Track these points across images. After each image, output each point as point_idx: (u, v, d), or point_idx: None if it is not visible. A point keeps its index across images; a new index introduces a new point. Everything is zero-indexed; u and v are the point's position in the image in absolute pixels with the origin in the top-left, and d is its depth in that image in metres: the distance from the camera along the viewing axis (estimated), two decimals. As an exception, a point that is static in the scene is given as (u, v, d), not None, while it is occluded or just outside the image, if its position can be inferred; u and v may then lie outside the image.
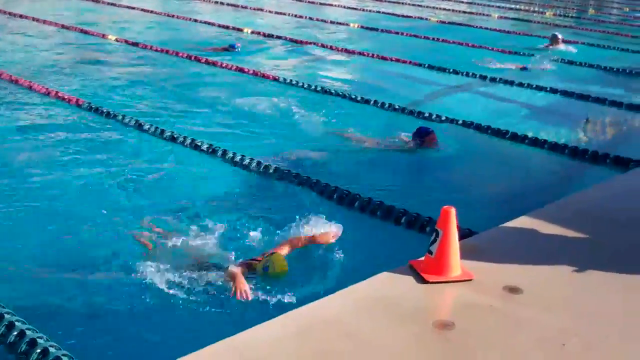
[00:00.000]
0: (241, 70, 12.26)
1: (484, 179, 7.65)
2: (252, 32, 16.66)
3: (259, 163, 7.46)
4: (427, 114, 9.87)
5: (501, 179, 7.48)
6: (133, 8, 19.89)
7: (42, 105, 9.46)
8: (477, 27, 20.24)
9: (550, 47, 16.37)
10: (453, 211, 4.22)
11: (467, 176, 7.81)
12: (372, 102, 10.50)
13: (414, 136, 8.43)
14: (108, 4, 20.63)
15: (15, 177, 6.88)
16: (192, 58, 13.07)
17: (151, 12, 19.35)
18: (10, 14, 17.47)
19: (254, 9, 21.29)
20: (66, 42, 14.51)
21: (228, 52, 13.69)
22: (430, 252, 4.27)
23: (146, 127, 8.58)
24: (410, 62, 13.74)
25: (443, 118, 9.73)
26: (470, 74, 12.88)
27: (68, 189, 6.74)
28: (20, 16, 17.09)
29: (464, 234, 5.31)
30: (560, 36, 16.55)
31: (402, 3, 26.11)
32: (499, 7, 26.51)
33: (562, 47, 16.21)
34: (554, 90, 11.86)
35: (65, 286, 4.94)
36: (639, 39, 18.99)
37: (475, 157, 8.39)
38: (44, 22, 16.25)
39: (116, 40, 14.52)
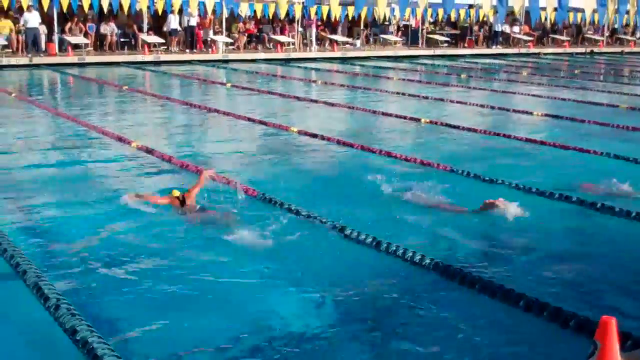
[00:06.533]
0: (410, 159, 12.20)
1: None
2: (429, 122, 16.71)
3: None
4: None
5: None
6: (316, 101, 20.81)
7: (224, 192, 9.73)
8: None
9: None
10: (613, 323, 3.83)
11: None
12: (547, 194, 9.93)
13: None
14: (294, 97, 21.69)
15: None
16: (367, 149, 13.21)
17: (332, 104, 20.07)
18: (205, 108, 18.87)
19: (435, 99, 21.41)
20: (251, 134, 15.51)
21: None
22: (590, 367, 3.90)
23: (313, 217, 8.74)
24: (595, 152, 12.97)
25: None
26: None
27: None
28: (216, 110, 18.41)
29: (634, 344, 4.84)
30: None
31: (589, 89, 25.19)
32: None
33: None
34: None
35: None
36: None
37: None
38: (237, 116, 17.33)
39: (297, 132, 15.14)
